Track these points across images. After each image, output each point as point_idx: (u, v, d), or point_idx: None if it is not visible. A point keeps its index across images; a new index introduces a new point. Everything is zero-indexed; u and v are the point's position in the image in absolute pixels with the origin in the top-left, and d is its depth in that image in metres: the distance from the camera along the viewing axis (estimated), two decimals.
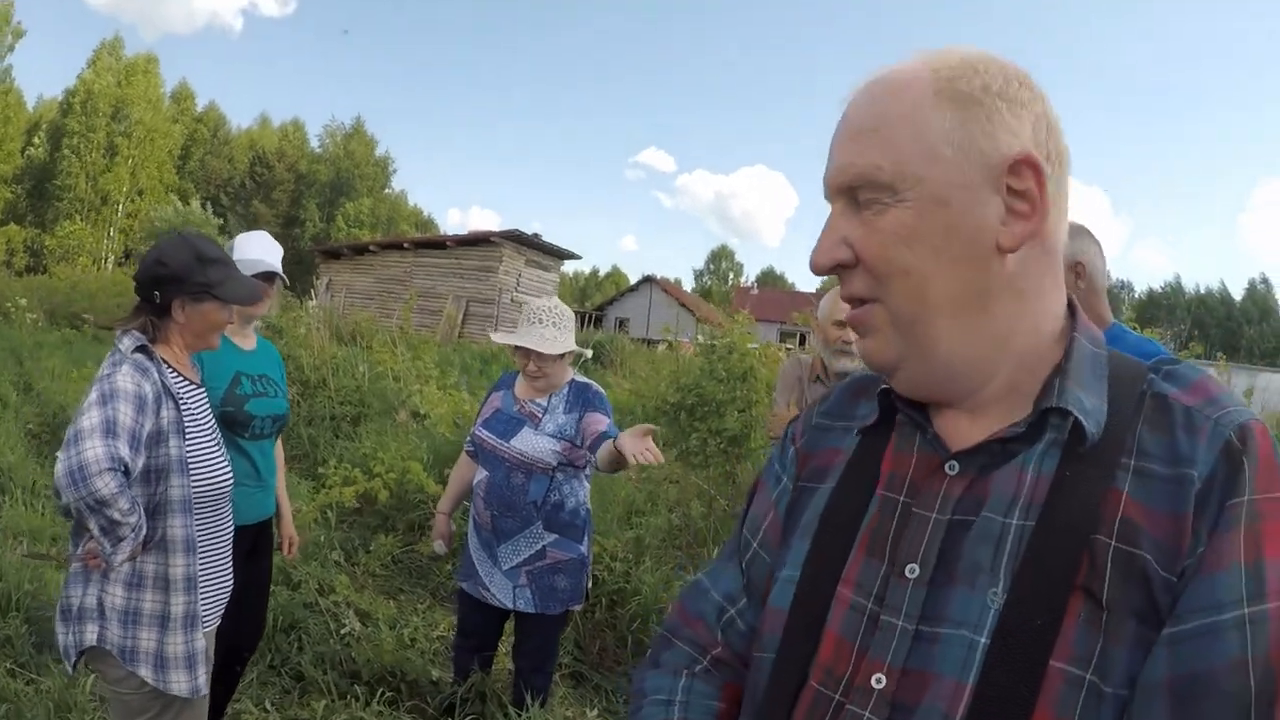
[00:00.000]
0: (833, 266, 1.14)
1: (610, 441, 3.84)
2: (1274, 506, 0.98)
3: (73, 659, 2.86)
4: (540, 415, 4.24)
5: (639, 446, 3.58)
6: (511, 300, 39.19)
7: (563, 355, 4.27)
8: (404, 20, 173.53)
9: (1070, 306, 1.19)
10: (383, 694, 4.68)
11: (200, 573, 2.95)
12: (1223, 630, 0.93)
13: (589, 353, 4.77)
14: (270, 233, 4.47)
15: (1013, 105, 1.08)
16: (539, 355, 4.16)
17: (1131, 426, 1.07)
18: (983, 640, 1.01)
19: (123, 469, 2.57)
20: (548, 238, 42.44)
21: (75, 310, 26.01)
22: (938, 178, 1.07)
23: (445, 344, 28.65)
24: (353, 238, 73.26)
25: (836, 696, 1.12)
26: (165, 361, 2.96)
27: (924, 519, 1.13)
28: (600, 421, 4.17)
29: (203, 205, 48.49)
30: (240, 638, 3.96)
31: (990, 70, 1.09)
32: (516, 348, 4.22)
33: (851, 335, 4.12)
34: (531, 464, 4.15)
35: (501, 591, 4.24)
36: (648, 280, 76.43)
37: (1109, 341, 2.93)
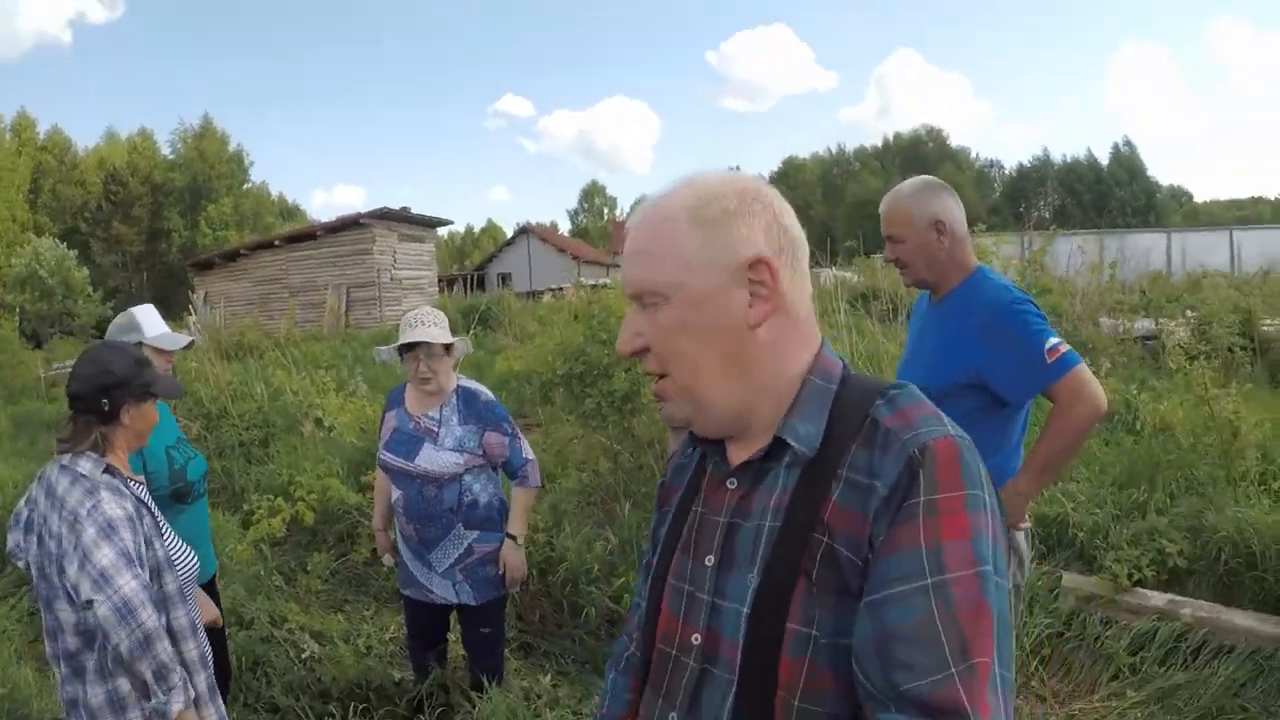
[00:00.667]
0: (633, 352, 1.52)
1: (508, 539, 4.69)
2: (949, 504, 1.29)
3: None
4: (436, 429, 4.57)
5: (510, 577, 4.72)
6: (391, 279, 39.01)
7: (449, 353, 4.60)
8: (234, 4, 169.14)
9: (817, 356, 1.55)
10: (354, 706, 5.00)
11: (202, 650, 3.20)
12: (910, 596, 1.24)
13: (469, 348, 5.12)
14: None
15: (745, 218, 1.46)
16: (428, 352, 4.47)
17: (849, 446, 1.42)
18: (745, 610, 1.43)
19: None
20: (417, 205, 42.30)
21: None
22: (693, 284, 1.45)
23: (333, 336, 28.49)
24: (220, 242, 71.71)
25: (673, 653, 1.57)
26: (118, 471, 3.08)
27: (714, 522, 1.57)
28: (501, 445, 4.63)
29: (56, 240, 47.24)
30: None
31: (728, 194, 1.47)
32: (405, 354, 4.53)
33: None
34: (439, 477, 4.51)
35: (443, 590, 4.64)
36: (524, 231, 76.00)
37: (972, 287, 3.50)
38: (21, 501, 3.18)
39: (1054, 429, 3.31)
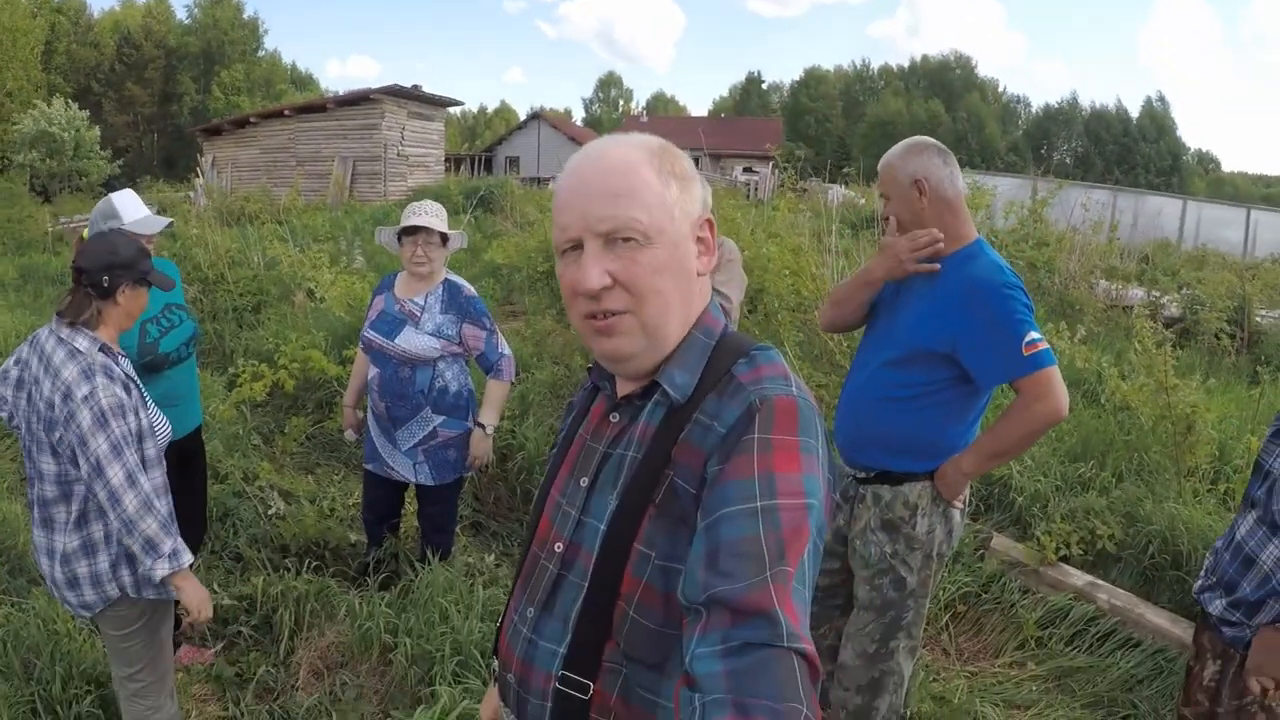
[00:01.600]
0: (601, 288, 1.57)
1: (478, 427, 5.01)
2: (781, 443, 1.45)
3: (95, 610, 3.39)
4: (419, 314, 4.86)
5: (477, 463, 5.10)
6: (398, 155, 38.76)
7: (445, 244, 4.90)
8: None
9: (704, 313, 1.71)
10: (309, 563, 5.37)
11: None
12: (740, 516, 1.36)
13: (465, 243, 5.35)
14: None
15: (698, 181, 1.67)
16: (426, 239, 4.79)
17: (708, 394, 1.59)
18: (601, 527, 1.63)
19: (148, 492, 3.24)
20: (430, 80, 42.82)
21: None
22: (673, 230, 1.60)
23: (336, 208, 28.51)
24: (232, 107, 71.24)
25: (541, 556, 1.78)
26: (110, 348, 3.34)
27: (594, 450, 1.75)
28: (477, 338, 4.93)
29: (67, 102, 47.03)
30: (190, 533, 4.54)
31: (680, 157, 1.66)
32: (404, 239, 4.83)
33: None
34: (415, 359, 4.81)
35: (403, 468, 4.96)
36: (535, 117, 74.62)
37: (966, 258, 3.48)
38: (10, 360, 3.45)
39: (1011, 419, 3.29)
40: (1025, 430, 3.29)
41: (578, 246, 1.61)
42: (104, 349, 3.30)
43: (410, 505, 5.66)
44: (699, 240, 1.67)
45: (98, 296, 3.32)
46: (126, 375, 3.36)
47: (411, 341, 4.80)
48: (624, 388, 1.74)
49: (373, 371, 4.95)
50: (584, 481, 1.73)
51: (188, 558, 3.29)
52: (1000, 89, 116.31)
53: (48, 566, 3.41)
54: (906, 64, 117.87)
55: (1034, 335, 3.22)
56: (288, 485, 6.67)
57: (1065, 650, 4.94)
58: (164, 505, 3.34)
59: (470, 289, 5.08)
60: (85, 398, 3.12)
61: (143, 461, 3.30)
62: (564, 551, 1.71)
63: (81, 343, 3.25)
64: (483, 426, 5.03)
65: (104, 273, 3.29)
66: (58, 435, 3.17)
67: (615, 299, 1.59)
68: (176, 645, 4.52)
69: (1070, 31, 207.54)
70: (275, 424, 8.02)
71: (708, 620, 1.29)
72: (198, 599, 3.36)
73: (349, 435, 5.44)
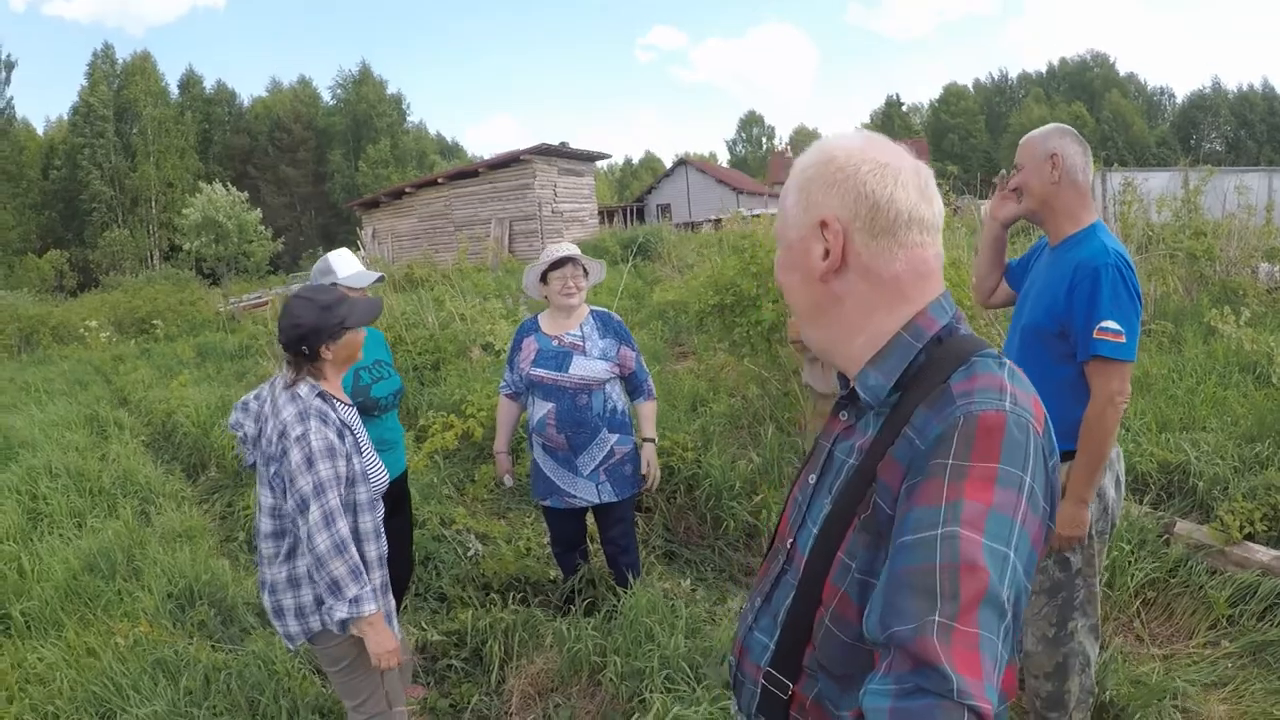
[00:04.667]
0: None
1: (645, 442, 5.33)
2: (979, 471, 1.36)
3: (298, 642, 3.61)
4: (581, 343, 5.09)
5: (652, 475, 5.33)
6: (552, 212, 39.73)
7: (586, 274, 5.17)
8: None
9: (919, 314, 1.63)
10: (513, 596, 5.59)
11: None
12: (919, 546, 1.31)
13: (603, 274, 5.55)
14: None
15: (824, 186, 1.63)
16: (573, 269, 5.05)
17: (917, 404, 1.53)
18: (815, 530, 1.65)
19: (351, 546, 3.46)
20: (575, 140, 42.40)
21: (141, 317, 26.60)
22: (789, 234, 1.70)
23: (496, 268, 29.12)
24: (382, 180, 73.42)
25: (777, 549, 1.82)
26: (332, 395, 3.63)
27: (823, 448, 1.78)
28: (631, 358, 5.19)
29: (225, 184, 48.82)
30: (398, 576, 4.78)
31: (816, 163, 1.66)
32: (550, 274, 5.08)
33: None
34: (591, 384, 5.03)
35: (586, 492, 5.13)
36: (682, 163, 75.64)
37: (1081, 238, 3.57)
38: (252, 394, 3.78)
39: (1084, 423, 3.35)
40: (1094, 426, 3.34)
41: None
42: (321, 395, 3.56)
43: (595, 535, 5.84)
44: (826, 241, 1.64)
45: (307, 360, 3.61)
46: (342, 421, 3.58)
47: (586, 368, 5.03)
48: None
49: (543, 409, 5.11)
50: (812, 479, 1.77)
51: (370, 607, 3.41)
52: (1142, 82, 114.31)
53: (262, 596, 3.69)
54: (1044, 69, 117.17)
55: (1115, 325, 3.25)
56: (483, 529, 6.92)
57: (1258, 626, 4.87)
58: (372, 549, 3.59)
59: (617, 315, 5.35)
60: (298, 438, 3.37)
61: (355, 505, 3.54)
62: (789, 547, 1.76)
63: (303, 390, 3.52)
64: (652, 440, 5.30)
65: (300, 343, 3.57)
66: (273, 470, 3.45)
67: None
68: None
69: (1208, 11, 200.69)
70: (464, 474, 8.28)
71: (892, 661, 1.27)
72: (382, 648, 3.52)
73: (506, 481, 5.59)
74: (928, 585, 1.26)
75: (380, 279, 5.01)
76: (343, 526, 3.38)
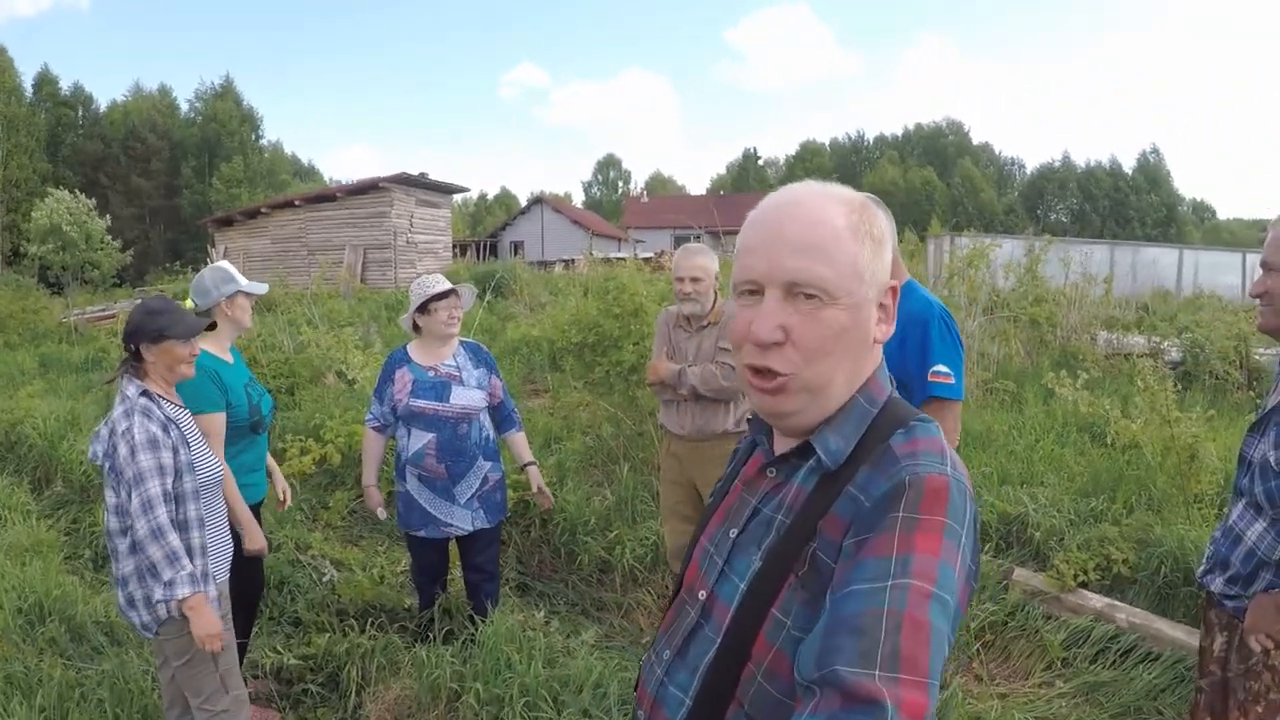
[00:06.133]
0: (771, 342, 1.51)
1: (528, 467, 5.57)
2: (928, 524, 1.35)
3: (154, 630, 3.80)
4: (458, 373, 5.22)
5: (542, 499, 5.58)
6: (407, 242, 39.50)
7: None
8: None
9: (871, 379, 1.62)
10: (370, 623, 5.60)
11: (209, 541, 3.94)
12: (867, 594, 1.29)
13: (473, 298, 5.61)
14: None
15: (886, 246, 1.58)
16: (456, 300, 5.20)
17: (862, 463, 1.50)
18: (742, 586, 1.59)
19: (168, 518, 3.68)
20: (434, 169, 42.31)
21: None
22: (859, 293, 1.52)
23: (349, 295, 28.88)
24: (232, 199, 72.10)
25: (686, 601, 1.76)
26: (158, 394, 3.89)
27: (747, 501, 1.71)
28: (499, 388, 5.41)
29: (72, 191, 47.61)
30: (247, 591, 4.94)
31: (878, 218, 1.58)
32: (432, 305, 5.15)
33: (690, 288, 5.19)
34: (471, 413, 5.16)
35: (462, 520, 5.22)
36: (538, 201, 75.96)
37: (905, 291, 3.77)
38: (102, 421, 3.98)
39: None
40: None
41: (756, 292, 1.56)
42: (145, 393, 3.84)
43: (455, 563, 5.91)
44: (881, 307, 1.59)
45: (133, 359, 3.94)
46: (166, 417, 3.84)
47: (465, 398, 5.16)
48: (781, 445, 1.70)
49: (421, 440, 5.16)
50: (733, 533, 1.70)
51: (183, 590, 3.63)
52: (995, 152, 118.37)
53: (116, 592, 3.92)
54: (900, 132, 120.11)
55: (941, 367, 3.59)
56: (338, 555, 6.93)
57: (1090, 668, 5.18)
58: (195, 537, 3.84)
59: (484, 347, 5.53)
60: (123, 432, 3.68)
61: (180, 495, 3.79)
62: (705, 600, 1.69)
63: (129, 390, 3.83)
64: (534, 464, 5.57)
65: (128, 341, 3.92)
66: (108, 466, 3.73)
67: (782, 359, 1.53)
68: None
69: (1063, 90, 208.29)
70: (317, 499, 8.26)
71: (819, 701, 1.24)
72: (203, 630, 3.72)
73: (380, 514, 5.59)
74: (872, 627, 1.25)
75: (266, 289, 5.20)
76: (160, 514, 3.63)
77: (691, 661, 1.66)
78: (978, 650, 5.43)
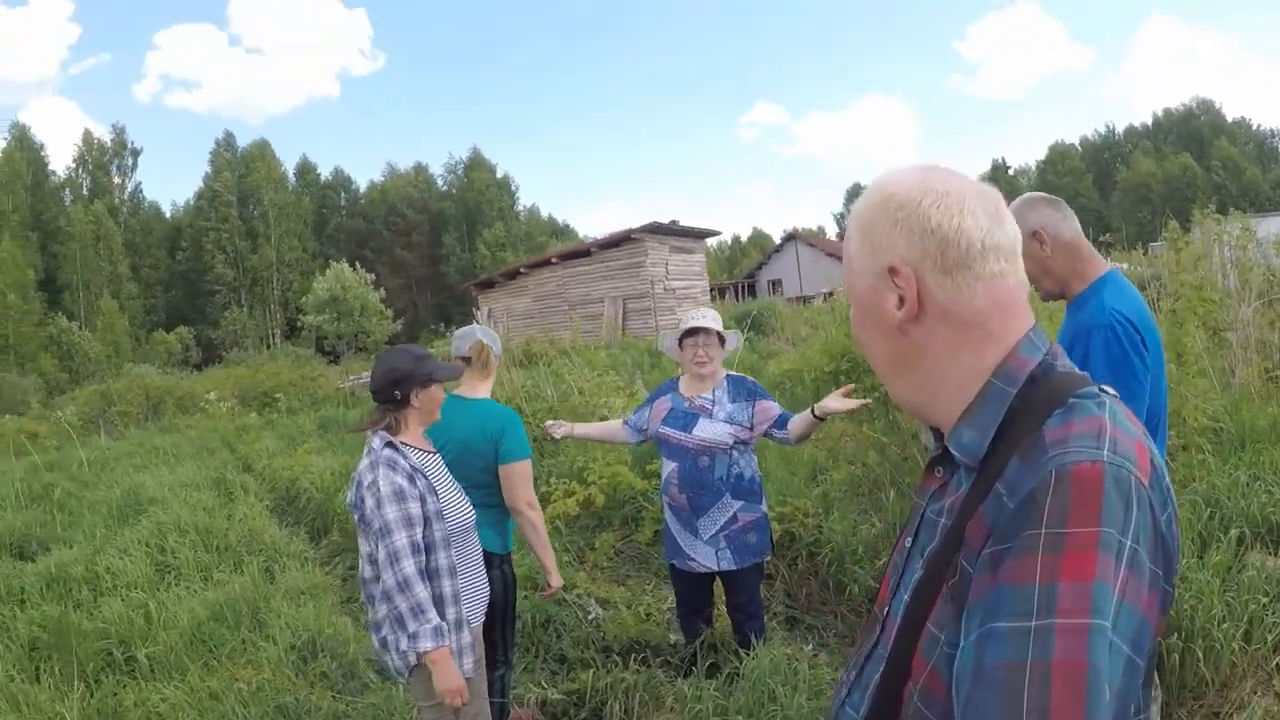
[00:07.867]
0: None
1: (808, 412, 4.95)
2: (1076, 539, 1.18)
3: (406, 675, 3.85)
4: (710, 407, 5.15)
5: (844, 404, 4.81)
6: (664, 289, 40.05)
7: (722, 343, 5.22)
8: (486, 39, 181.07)
9: (1010, 354, 1.46)
10: (634, 658, 5.56)
11: (461, 586, 3.97)
12: (1009, 636, 1.15)
13: (740, 345, 5.56)
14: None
15: (887, 227, 1.49)
16: (706, 339, 5.12)
17: (1010, 455, 1.34)
18: (906, 597, 1.47)
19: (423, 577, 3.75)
20: (684, 218, 42.62)
21: (264, 391, 27.94)
22: (857, 285, 1.56)
23: (611, 345, 29.36)
24: (499, 261, 74.95)
25: (876, 614, 1.63)
26: (407, 444, 3.96)
27: (919, 506, 1.60)
28: (773, 408, 5.14)
29: (352, 264, 50.01)
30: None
31: (876, 202, 1.53)
32: (685, 341, 5.17)
33: None
34: (712, 447, 5.06)
35: (705, 557, 5.13)
36: (790, 238, 76.56)
37: (1083, 300, 3.53)
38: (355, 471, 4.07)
39: None
40: None
41: None
42: (390, 444, 3.89)
43: (720, 599, 5.77)
44: (897, 288, 1.48)
45: (394, 408, 4.00)
46: (413, 466, 3.87)
47: (708, 430, 5.07)
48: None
49: (668, 467, 5.20)
50: (908, 542, 1.60)
51: (425, 644, 3.66)
52: (1253, 126, 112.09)
53: (371, 636, 3.99)
54: (1150, 121, 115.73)
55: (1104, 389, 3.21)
56: (603, 594, 6.91)
57: None
58: (446, 586, 3.87)
59: (751, 378, 5.41)
60: (369, 485, 3.75)
61: (430, 543, 3.83)
62: (884, 616, 1.58)
63: (375, 442, 3.90)
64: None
65: (393, 388, 3.96)
66: (358, 516, 3.80)
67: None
68: None
69: None
70: (584, 541, 8.30)
71: None
72: (444, 685, 3.74)
73: (555, 429, 5.59)
74: (1015, 688, 1.11)
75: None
76: (406, 566, 3.67)
77: (865, 681, 1.56)
78: (1277, 666, 4.75)
